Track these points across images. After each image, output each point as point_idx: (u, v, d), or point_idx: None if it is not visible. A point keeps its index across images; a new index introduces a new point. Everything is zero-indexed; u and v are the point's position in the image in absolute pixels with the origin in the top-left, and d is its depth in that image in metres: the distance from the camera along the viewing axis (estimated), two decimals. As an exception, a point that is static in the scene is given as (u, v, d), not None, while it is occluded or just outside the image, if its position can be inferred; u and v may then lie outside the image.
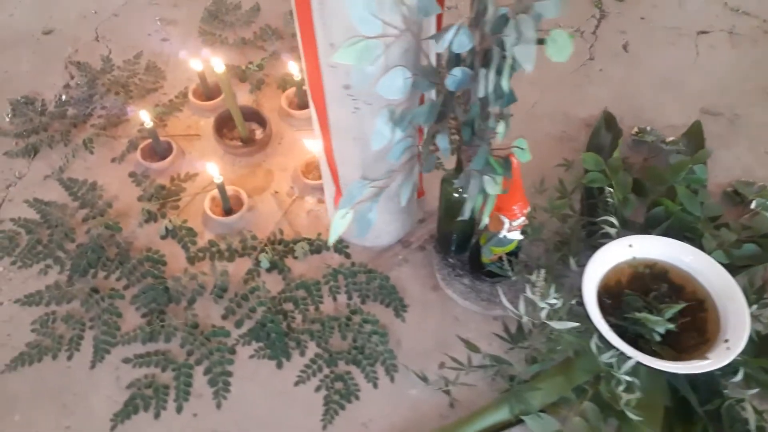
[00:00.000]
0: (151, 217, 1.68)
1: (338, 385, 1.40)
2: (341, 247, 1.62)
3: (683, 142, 1.80)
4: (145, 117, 1.72)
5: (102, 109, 1.94)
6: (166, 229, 1.65)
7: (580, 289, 1.31)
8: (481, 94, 0.94)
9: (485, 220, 1.12)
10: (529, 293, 1.30)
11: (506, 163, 1.07)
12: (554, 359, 1.36)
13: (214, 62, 1.64)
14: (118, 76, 2.03)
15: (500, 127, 1.01)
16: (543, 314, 1.31)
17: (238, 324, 1.49)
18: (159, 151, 1.80)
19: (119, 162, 1.82)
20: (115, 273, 1.58)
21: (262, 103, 1.96)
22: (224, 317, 1.51)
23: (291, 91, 1.94)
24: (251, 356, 1.45)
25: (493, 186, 1.03)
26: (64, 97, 1.98)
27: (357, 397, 1.38)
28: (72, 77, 2.05)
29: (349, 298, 1.53)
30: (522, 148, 1.05)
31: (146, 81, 2.02)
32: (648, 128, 1.85)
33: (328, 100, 1.22)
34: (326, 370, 1.42)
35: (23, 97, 1.97)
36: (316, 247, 1.62)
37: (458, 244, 1.55)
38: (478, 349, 1.41)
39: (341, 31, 1.07)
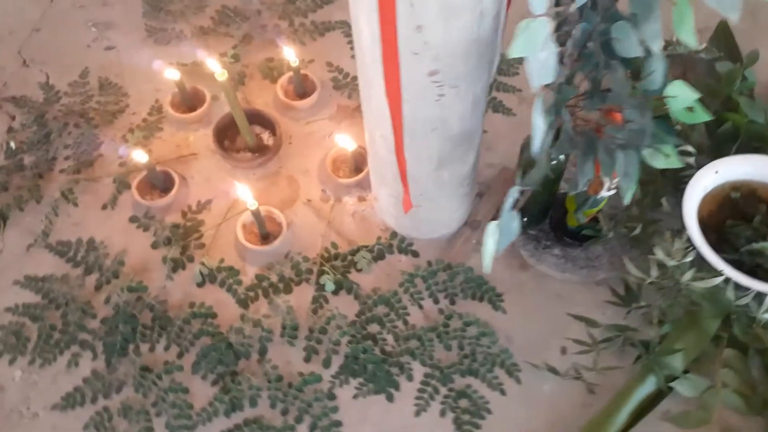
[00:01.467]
0: (177, 265, 1.43)
1: (463, 402, 1.25)
2: (405, 246, 1.43)
3: (715, 47, 1.69)
4: (139, 157, 1.43)
5: (66, 148, 1.62)
6: (201, 274, 1.40)
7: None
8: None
9: (628, 196, 0.96)
10: (659, 255, 1.17)
11: (665, 125, 0.89)
12: (679, 315, 1.26)
13: (211, 65, 1.37)
14: (69, 104, 1.69)
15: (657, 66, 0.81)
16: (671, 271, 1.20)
17: (326, 363, 1.30)
18: (158, 184, 1.51)
19: (111, 208, 1.53)
20: (161, 342, 1.34)
21: (251, 100, 1.69)
22: (307, 360, 1.31)
23: (284, 79, 1.68)
24: (355, 396, 1.27)
25: (662, 159, 0.86)
26: (12, 144, 1.63)
27: (488, 410, 1.24)
28: (12, 118, 1.70)
29: (436, 301, 1.36)
30: (681, 97, 0.85)
31: (106, 102, 1.70)
32: (674, 39, 1.72)
33: (405, 93, 1.00)
34: (443, 390, 1.26)
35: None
36: (378, 252, 1.42)
37: (538, 214, 1.40)
38: (597, 322, 1.29)
39: (435, 9, 0.85)
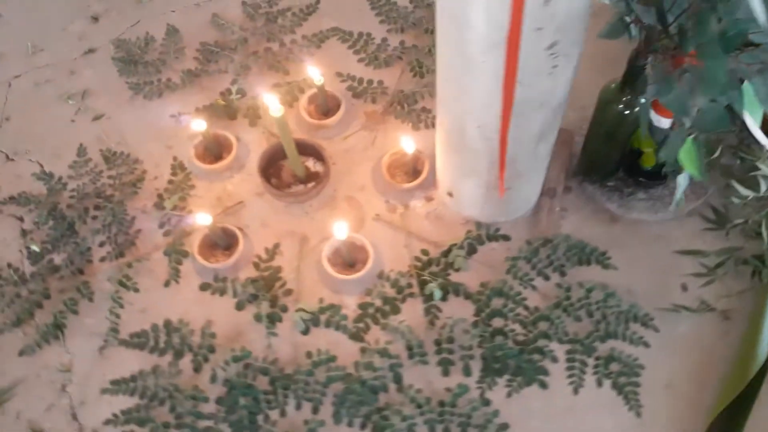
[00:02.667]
0: (273, 319, 1.33)
1: (613, 366, 1.24)
2: (494, 233, 1.40)
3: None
4: (202, 220, 1.32)
5: (96, 234, 1.47)
6: (303, 321, 1.32)
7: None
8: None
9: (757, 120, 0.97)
10: (765, 170, 1.20)
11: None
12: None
13: (268, 102, 1.28)
14: (80, 188, 1.54)
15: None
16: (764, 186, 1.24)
17: (466, 371, 1.25)
18: (220, 242, 1.41)
19: (176, 282, 1.41)
20: (289, 403, 1.25)
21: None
22: (446, 373, 1.26)
23: (303, 100, 1.60)
24: (508, 395, 1.23)
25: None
26: (34, 247, 1.47)
27: (640, 366, 1.24)
28: (20, 219, 1.53)
29: (546, 278, 1.34)
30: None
31: (119, 175, 1.56)
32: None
33: (521, 74, 0.97)
34: (590, 361, 1.25)
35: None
36: (469, 247, 1.38)
37: (610, 167, 1.41)
38: (704, 251, 1.31)
39: (567, -21, 0.82)
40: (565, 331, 1.28)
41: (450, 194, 1.40)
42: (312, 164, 1.51)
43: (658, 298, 1.30)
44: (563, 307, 1.30)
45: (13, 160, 1.63)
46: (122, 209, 1.49)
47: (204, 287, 1.39)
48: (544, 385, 1.24)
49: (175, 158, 1.57)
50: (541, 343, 1.27)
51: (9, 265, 1.45)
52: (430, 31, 1.72)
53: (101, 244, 1.46)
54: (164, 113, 1.65)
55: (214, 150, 1.54)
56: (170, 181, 1.54)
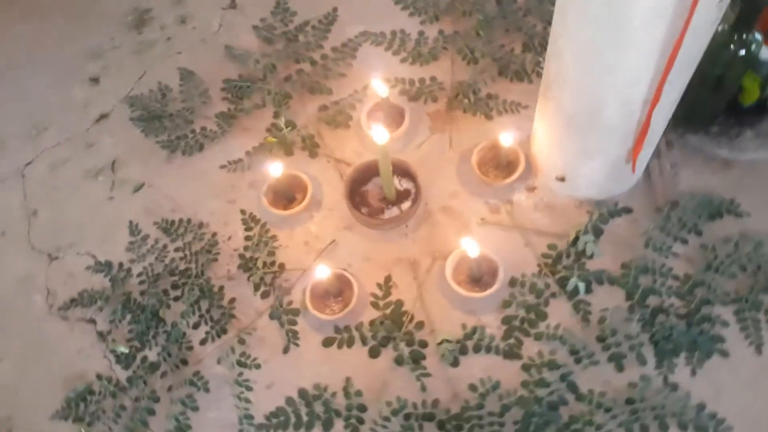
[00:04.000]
0: (416, 360, 1.21)
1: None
2: (615, 209, 1.31)
3: None
4: (321, 273, 1.19)
5: (185, 317, 1.31)
6: (450, 354, 1.20)
7: None
8: None
9: None
10: None
11: None
12: None
13: (375, 133, 1.15)
14: (148, 271, 1.38)
15: None
16: None
17: (641, 360, 1.17)
18: (332, 290, 1.27)
19: (295, 345, 1.27)
20: (470, 444, 1.14)
21: (342, 157, 1.46)
22: (620, 369, 1.18)
23: (362, 116, 1.47)
24: (692, 374, 1.17)
25: None
26: (120, 349, 1.30)
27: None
28: (93, 322, 1.36)
29: (684, 242, 1.28)
30: None
31: (187, 245, 1.40)
32: None
33: (690, 34, 0.87)
34: (762, 315, 1.19)
35: (76, 392, 1.27)
36: (595, 229, 1.29)
37: (709, 112, 1.34)
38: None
39: None
40: (725, 291, 1.21)
41: (562, 179, 1.30)
42: (398, 182, 1.39)
43: (805, 234, 1.24)
44: (714, 267, 1.23)
45: (57, 258, 1.44)
46: (205, 281, 1.34)
47: (328, 343, 1.26)
48: (724, 354, 1.17)
49: (243, 211, 1.42)
50: (705, 310, 1.20)
51: (99, 377, 1.28)
52: (468, 14, 1.61)
53: (195, 326, 1.31)
54: (212, 166, 1.49)
55: (286, 192, 1.39)
56: (247, 238, 1.39)
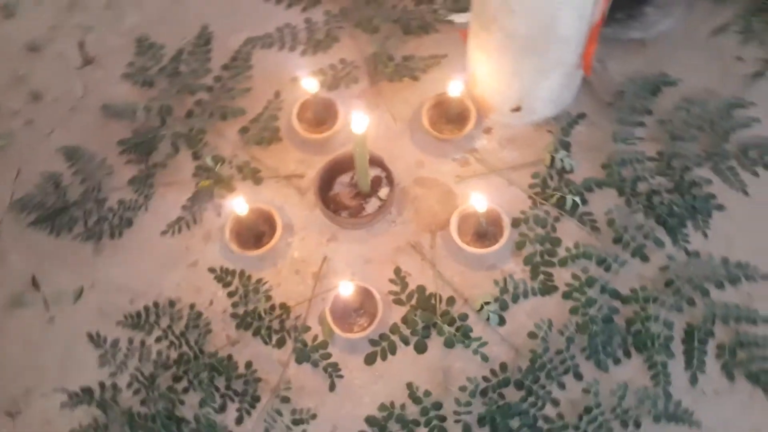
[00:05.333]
0: (466, 335, 1.17)
1: (753, 153, 1.28)
2: (571, 119, 1.34)
3: None
4: (344, 288, 1.08)
5: (207, 404, 1.15)
6: (495, 315, 1.17)
7: None
8: None
9: None
10: None
11: None
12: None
13: (354, 117, 1.05)
14: (135, 376, 1.18)
15: None
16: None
17: (658, 243, 1.22)
18: (353, 306, 1.18)
19: (339, 376, 1.16)
20: (553, 390, 1.12)
21: (285, 170, 1.35)
22: (646, 259, 1.21)
23: (294, 114, 1.36)
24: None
25: None
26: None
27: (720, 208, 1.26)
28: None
29: (642, 125, 1.33)
30: None
31: (175, 327, 1.22)
32: None
33: None
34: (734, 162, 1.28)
35: None
36: (562, 144, 1.31)
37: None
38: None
39: None
40: (696, 154, 1.29)
41: (517, 109, 1.30)
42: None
43: (732, 79, 1.35)
44: (677, 136, 1.30)
45: (20, 412, 1.20)
46: (209, 357, 1.18)
47: (370, 360, 1.17)
48: (721, 208, 1.25)
49: (212, 269, 1.27)
50: (687, 177, 1.27)
51: None
52: (346, -14, 1.53)
53: (222, 408, 1.16)
54: (151, 237, 1.31)
55: (252, 230, 1.26)
56: (231, 294, 1.24)
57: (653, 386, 1.12)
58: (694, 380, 1.12)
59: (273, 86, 1.43)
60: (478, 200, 1.14)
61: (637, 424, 1.09)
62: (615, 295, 1.18)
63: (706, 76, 1.37)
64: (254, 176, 1.34)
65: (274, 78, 1.44)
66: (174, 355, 1.20)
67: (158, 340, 1.22)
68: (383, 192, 1.28)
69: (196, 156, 1.37)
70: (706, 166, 1.28)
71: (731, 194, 1.26)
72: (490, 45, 1.17)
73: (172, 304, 1.24)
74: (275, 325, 1.20)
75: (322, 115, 1.36)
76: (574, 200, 1.25)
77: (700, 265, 1.19)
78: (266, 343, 1.19)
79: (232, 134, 1.39)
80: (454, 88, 1.26)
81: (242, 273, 1.25)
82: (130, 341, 1.22)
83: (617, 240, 1.22)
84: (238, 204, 1.19)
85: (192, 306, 1.24)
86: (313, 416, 1.13)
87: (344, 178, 1.31)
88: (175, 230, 1.31)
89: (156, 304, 1.24)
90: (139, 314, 1.24)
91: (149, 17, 1.58)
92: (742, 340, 1.13)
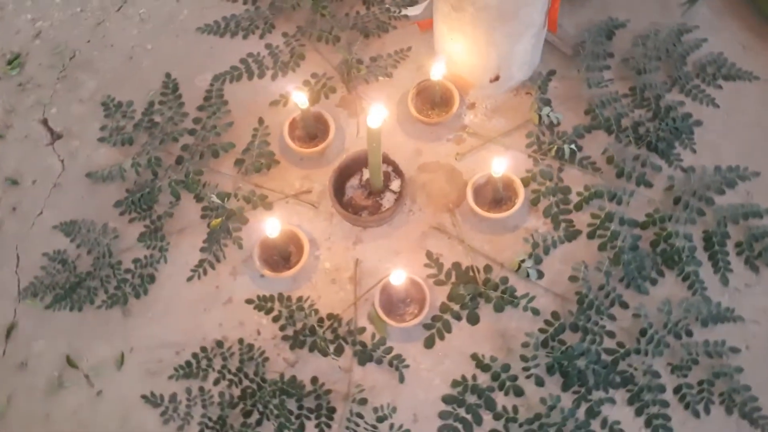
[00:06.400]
0: (513, 296, 1.21)
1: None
2: (545, 77, 1.42)
3: None
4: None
5: (288, 422, 1.15)
6: (534, 271, 1.23)
7: None
8: None
9: None
10: None
11: None
12: None
13: (371, 111, 1.08)
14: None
15: None
16: None
17: (654, 167, 1.31)
18: (400, 297, 1.21)
19: (402, 368, 1.19)
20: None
21: (292, 189, 1.37)
22: (649, 185, 1.30)
23: (286, 128, 1.38)
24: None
25: None
26: None
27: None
28: None
29: (608, 68, 1.43)
30: None
31: (230, 365, 1.21)
32: None
33: None
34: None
35: None
36: (544, 103, 1.39)
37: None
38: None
39: None
40: (662, 81, 1.40)
41: (496, 78, 1.37)
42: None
43: (671, 10, 1.47)
44: (641, 70, 1.41)
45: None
46: (273, 383, 1.18)
47: (429, 343, 1.21)
48: (699, 123, 1.35)
49: (249, 300, 1.26)
50: (662, 103, 1.37)
51: None
52: (297, 5, 1.56)
53: (301, 429, 1.15)
54: (178, 286, 1.30)
55: (281, 253, 1.27)
56: (275, 318, 1.25)
57: (692, 296, 1.20)
58: (725, 281, 1.21)
59: (254, 114, 1.44)
60: (499, 164, 1.19)
61: (689, 333, 1.17)
62: (633, 223, 1.26)
63: (648, 12, 1.49)
64: (263, 203, 1.35)
65: (252, 107, 1.46)
66: (237, 392, 1.19)
67: (216, 382, 1.20)
68: (395, 184, 1.32)
69: (198, 198, 1.37)
70: (675, 90, 1.39)
71: (704, 109, 1.37)
72: (463, 23, 1.23)
73: (220, 344, 1.23)
74: (328, 335, 1.21)
75: (312, 129, 1.39)
76: (570, 149, 1.32)
77: (698, 177, 1.29)
78: (325, 354, 1.20)
79: (229, 169, 1.40)
80: (437, 72, 1.32)
81: (281, 296, 1.26)
82: (188, 391, 1.20)
83: (620, 174, 1.31)
84: (272, 226, 1.20)
85: (240, 341, 1.23)
86: (393, 410, 1.15)
87: (353, 182, 1.34)
88: (200, 273, 1.30)
89: (204, 349, 1.23)
90: (189, 363, 1.22)
91: (107, 79, 1.56)
92: (755, 234, 1.23)
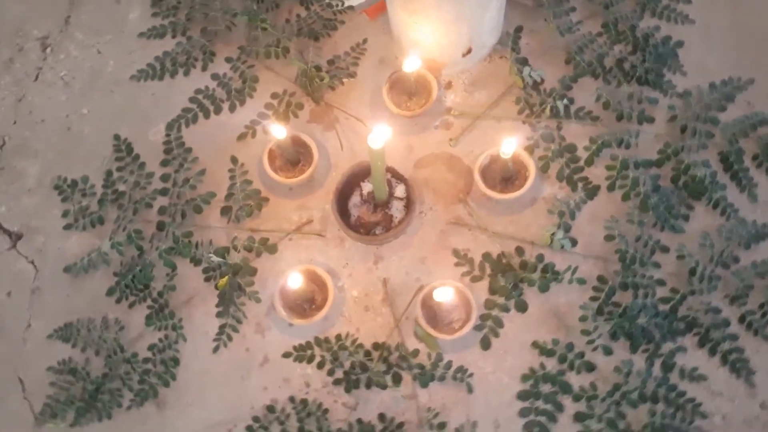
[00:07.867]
0: (547, 272, 1.17)
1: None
2: (514, 36, 1.34)
3: None
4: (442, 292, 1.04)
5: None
6: (567, 240, 1.18)
7: None
8: None
9: None
10: None
11: None
12: None
13: (374, 131, 1.00)
14: None
15: None
16: None
17: (651, 101, 1.27)
18: (445, 307, 1.15)
19: (467, 380, 1.13)
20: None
21: (290, 224, 1.28)
22: (651, 120, 1.26)
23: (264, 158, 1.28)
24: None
25: None
26: None
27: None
28: None
29: (574, 9, 1.36)
30: None
31: (291, 421, 1.14)
32: None
33: None
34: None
35: None
36: (522, 61, 1.32)
37: None
38: None
39: None
40: (631, 9, 1.34)
41: (468, 51, 1.29)
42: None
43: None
44: (606, 3, 1.34)
45: None
46: (351, 428, 1.11)
47: (485, 344, 1.15)
48: (678, 67, 1.30)
49: (286, 353, 1.18)
50: (639, 33, 1.32)
51: None
52: (228, 27, 1.43)
53: (384, 471, 1.10)
54: (204, 359, 1.21)
55: (305, 297, 1.18)
56: (320, 364, 1.17)
57: (726, 221, 1.18)
58: (753, 196, 1.20)
59: (224, 155, 1.32)
60: (509, 143, 1.13)
61: (736, 259, 1.16)
62: (649, 164, 1.22)
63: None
64: (266, 247, 1.25)
65: (219, 147, 1.34)
66: (313, 445, 1.12)
67: (292, 439, 1.13)
68: (399, 190, 1.24)
69: (196, 261, 1.26)
70: (647, 15, 1.34)
71: (680, 28, 1.33)
72: (426, 5, 1.14)
73: (271, 409, 1.15)
74: (381, 367, 1.15)
75: (293, 155, 1.29)
76: (563, 104, 1.27)
77: (696, 100, 1.26)
78: (384, 387, 1.14)
79: (217, 221, 1.29)
80: (411, 65, 1.23)
81: (317, 340, 1.18)
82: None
83: (620, 117, 1.26)
84: (293, 279, 1.11)
85: (292, 399, 1.16)
86: (475, 424, 1.10)
87: (354, 200, 1.26)
88: (225, 341, 1.21)
89: (256, 419, 1.15)
90: (259, 419, 1.14)
91: (49, 159, 1.40)
92: (767, 143, 1.22)
